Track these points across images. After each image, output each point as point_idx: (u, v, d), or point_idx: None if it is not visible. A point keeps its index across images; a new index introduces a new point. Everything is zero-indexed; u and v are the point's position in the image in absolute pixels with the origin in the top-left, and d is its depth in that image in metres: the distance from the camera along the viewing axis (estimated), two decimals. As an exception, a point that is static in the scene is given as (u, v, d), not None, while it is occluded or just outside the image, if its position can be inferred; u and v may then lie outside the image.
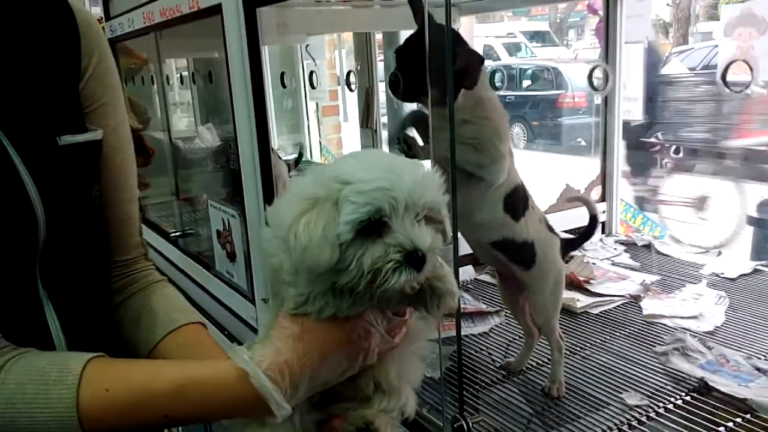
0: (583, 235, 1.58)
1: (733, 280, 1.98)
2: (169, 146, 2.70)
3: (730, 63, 1.57)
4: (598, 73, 2.37)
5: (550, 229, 1.45)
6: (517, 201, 1.38)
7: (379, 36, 3.09)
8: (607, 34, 2.41)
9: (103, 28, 2.58)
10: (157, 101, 2.78)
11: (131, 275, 1.00)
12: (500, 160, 1.32)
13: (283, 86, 3.40)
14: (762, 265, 2.07)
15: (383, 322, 0.78)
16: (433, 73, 1.10)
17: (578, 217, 2.29)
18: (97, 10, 2.79)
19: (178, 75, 3.01)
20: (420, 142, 1.38)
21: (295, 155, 3.36)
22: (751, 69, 1.60)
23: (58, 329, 0.83)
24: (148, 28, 2.23)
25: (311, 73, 3.09)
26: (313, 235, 0.68)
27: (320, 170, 0.74)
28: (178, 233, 2.53)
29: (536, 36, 15.88)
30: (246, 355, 0.74)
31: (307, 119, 4.20)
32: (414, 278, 0.68)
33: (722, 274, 2.01)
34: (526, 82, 10.79)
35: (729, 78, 2.11)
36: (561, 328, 1.50)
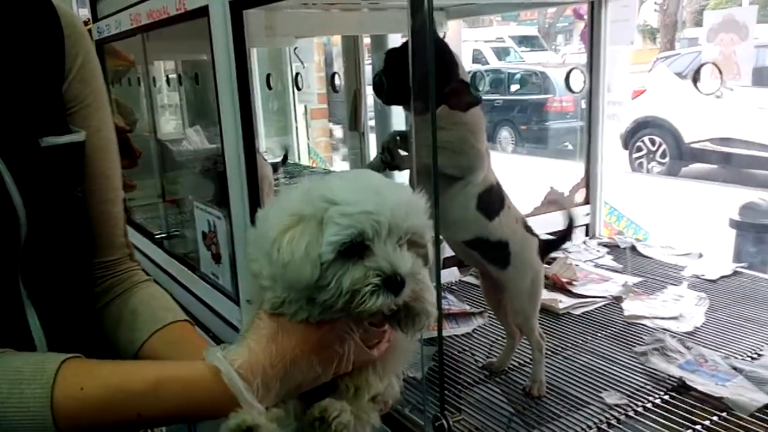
0: (561, 236, 1.59)
1: (713, 281, 2.01)
2: (156, 148, 2.70)
3: (702, 65, 1.59)
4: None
5: (528, 229, 1.46)
6: (492, 200, 1.39)
7: (366, 39, 3.11)
8: (592, 38, 2.43)
9: (90, 29, 2.58)
10: (144, 103, 2.78)
11: (117, 276, 1.00)
12: (478, 159, 1.34)
13: (269, 88, 3.41)
14: (742, 268, 2.10)
15: (359, 331, 0.78)
16: (418, 80, 1.12)
17: (559, 220, 2.32)
18: (85, 12, 2.78)
19: (166, 77, 3.01)
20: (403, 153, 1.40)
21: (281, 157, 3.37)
22: (720, 72, 1.63)
23: (39, 330, 0.83)
24: (136, 30, 2.24)
25: (297, 75, 3.10)
26: (295, 252, 0.69)
27: (309, 187, 0.75)
28: (163, 235, 2.53)
29: (525, 41, 15.97)
30: (220, 354, 0.74)
31: (296, 122, 4.21)
32: (391, 302, 0.70)
33: (703, 275, 2.04)
34: (514, 87, 10.86)
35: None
36: (543, 328, 1.52)
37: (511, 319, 1.51)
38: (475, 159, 1.35)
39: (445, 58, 1.28)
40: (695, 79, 1.59)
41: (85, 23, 2.38)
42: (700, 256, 2.21)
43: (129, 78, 2.80)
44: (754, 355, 1.54)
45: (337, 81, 2.96)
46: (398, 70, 1.26)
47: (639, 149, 8.69)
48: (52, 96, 0.87)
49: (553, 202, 1.99)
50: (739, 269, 2.08)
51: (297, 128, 4.26)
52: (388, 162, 1.38)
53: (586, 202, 2.52)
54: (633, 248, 2.33)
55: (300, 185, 0.77)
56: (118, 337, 0.96)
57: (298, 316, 0.75)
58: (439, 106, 1.25)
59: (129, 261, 1.03)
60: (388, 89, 1.27)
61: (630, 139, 8.66)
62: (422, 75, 1.06)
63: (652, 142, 8.58)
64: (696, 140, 8.16)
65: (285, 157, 3.09)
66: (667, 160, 8.48)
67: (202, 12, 1.69)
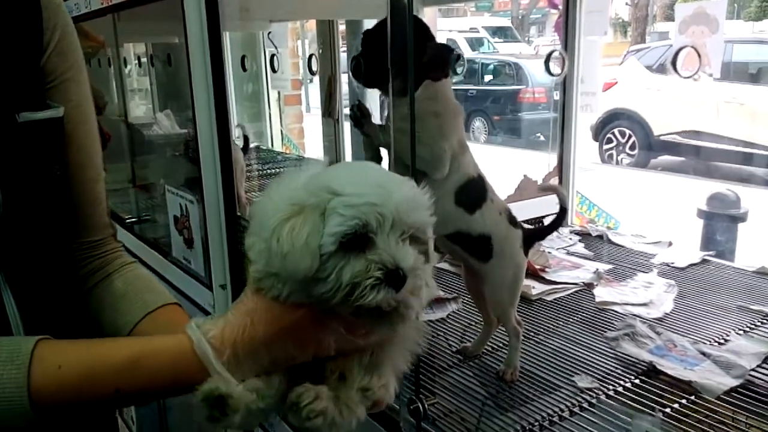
0: (551, 225, 1.58)
1: (682, 269, 2.04)
2: (126, 132, 2.65)
3: (681, 49, 1.61)
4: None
5: (513, 221, 1.44)
6: (472, 194, 1.37)
7: (342, 26, 3.09)
8: (567, 28, 2.45)
9: (59, 8, 2.52)
10: (114, 86, 2.73)
11: (102, 257, 0.98)
12: (441, 157, 1.31)
13: (244, 70, 3.36)
14: (710, 256, 2.14)
15: (341, 321, 0.76)
16: (396, 61, 1.11)
17: (535, 208, 2.34)
18: (53, -9, 2.71)
19: (136, 60, 2.96)
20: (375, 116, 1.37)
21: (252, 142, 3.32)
22: (699, 56, 1.65)
23: (16, 314, 0.81)
24: (106, 10, 2.19)
25: (272, 56, 3.06)
26: (295, 243, 0.68)
27: (311, 177, 0.74)
28: (134, 219, 2.49)
29: (498, 31, 16.03)
30: (194, 324, 0.74)
31: (269, 108, 4.17)
32: (392, 297, 0.68)
33: (672, 263, 2.07)
34: (487, 77, 10.90)
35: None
36: (520, 311, 1.54)
37: (490, 310, 1.51)
38: (439, 154, 1.32)
39: (421, 33, 1.26)
40: (674, 62, 1.61)
41: (54, 2, 2.33)
42: (670, 244, 2.25)
43: (99, 59, 2.74)
44: (721, 341, 1.57)
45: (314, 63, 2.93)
46: (376, 52, 1.24)
47: (609, 141, 8.81)
48: (29, 70, 0.84)
49: (548, 190, 1.97)
50: (707, 257, 2.12)
51: (270, 114, 4.23)
52: (356, 118, 1.34)
53: (559, 190, 2.55)
54: (604, 236, 2.36)
55: (300, 174, 0.75)
56: (106, 321, 0.94)
57: (272, 292, 0.74)
58: (422, 82, 1.24)
59: (113, 241, 1.01)
60: (366, 71, 1.25)
61: (600, 130, 8.76)
62: (401, 53, 1.05)
63: (622, 134, 8.70)
64: (665, 133, 8.30)
65: (246, 140, 3.05)
66: (636, 152, 8.61)
67: (175, -8, 1.66)
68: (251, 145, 3.39)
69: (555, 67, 2.40)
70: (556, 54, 2.39)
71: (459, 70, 1.33)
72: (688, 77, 1.66)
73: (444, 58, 1.29)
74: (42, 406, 0.70)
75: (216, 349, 0.72)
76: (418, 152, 1.28)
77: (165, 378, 0.74)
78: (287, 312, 0.74)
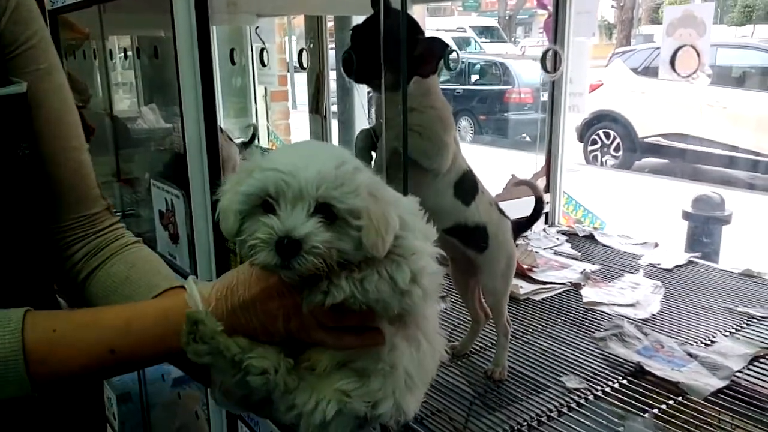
0: (531, 216, 1.61)
1: (669, 270, 2.05)
2: (110, 125, 2.62)
3: (679, 48, 1.61)
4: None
5: (501, 212, 1.46)
6: (467, 186, 1.38)
7: (330, 22, 3.07)
8: (556, 29, 2.45)
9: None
10: (99, 78, 2.69)
11: (100, 235, 0.94)
12: (444, 150, 1.32)
13: (233, 63, 3.33)
14: (696, 257, 2.15)
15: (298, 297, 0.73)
16: (389, 57, 1.10)
17: (523, 206, 2.33)
18: (37, -19, 2.67)
19: (122, 54, 2.92)
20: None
21: (243, 139, 3.30)
22: (698, 54, 1.65)
23: None
24: (91, 1, 2.16)
25: (261, 50, 3.04)
26: (224, 203, 0.72)
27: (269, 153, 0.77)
28: (118, 214, 2.46)
29: (485, 32, 16.08)
30: (191, 279, 0.78)
31: (255, 103, 4.14)
32: (276, 263, 0.67)
33: (659, 264, 2.08)
34: (474, 77, 10.92)
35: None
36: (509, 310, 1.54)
37: (480, 304, 1.51)
38: (442, 148, 1.32)
39: (411, 28, 1.25)
40: (672, 61, 1.61)
41: (38, -8, 2.29)
42: (656, 245, 2.26)
43: (84, 51, 2.70)
44: (708, 342, 1.58)
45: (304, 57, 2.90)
46: (367, 47, 1.23)
47: (594, 142, 8.87)
48: None
49: (521, 184, 1.99)
50: (693, 259, 2.13)
51: (257, 110, 4.19)
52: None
53: (546, 191, 2.55)
54: (591, 237, 2.37)
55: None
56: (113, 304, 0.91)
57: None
58: (411, 79, 1.23)
59: (109, 216, 0.96)
60: (358, 67, 1.24)
61: (585, 131, 8.82)
62: (394, 48, 1.04)
63: (607, 136, 8.76)
64: (649, 135, 8.37)
65: (253, 137, 3.03)
66: (620, 153, 8.67)
67: (164, -17, 1.63)
68: (237, 141, 3.36)
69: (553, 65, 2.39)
70: (552, 53, 2.38)
71: (453, 65, 1.31)
72: (686, 77, 1.66)
73: (434, 53, 1.28)
74: (37, 373, 0.69)
75: (204, 299, 0.74)
76: (421, 147, 1.28)
77: (159, 334, 0.74)
78: (262, 279, 0.74)
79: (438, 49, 1.28)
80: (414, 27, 1.28)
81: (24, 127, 0.84)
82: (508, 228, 1.45)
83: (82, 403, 1.00)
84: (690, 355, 1.49)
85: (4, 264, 0.82)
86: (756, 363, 1.46)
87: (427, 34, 1.39)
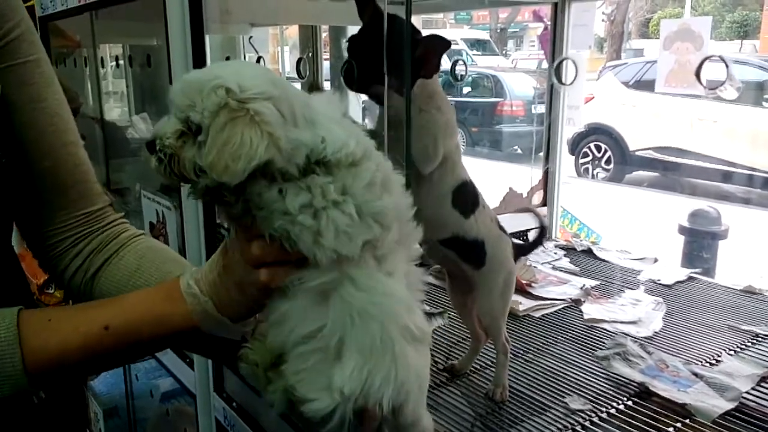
0: (533, 243, 1.60)
1: (669, 286, 2.02)
2: (101, 135, 2.57)
3: (705, 59, 1.58)
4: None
5: (502, 229, 1.43)
6: (466, 197, 1.35)
7: (325, 33, 3.03)
8: (554, 41, 2.43)
9: (33, 5, 2.43)
10: (89, 87, 2.64)
11: (106, 230, 0.90)
12: (436, 154, 1.28)
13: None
14: (696, 273, 2.12)
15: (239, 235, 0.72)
16: (392, 62, 1.07)
17: (520, 221, 2.30)
18: (27, -13, 2.62)
19: (113, 62, 2.87)
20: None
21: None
22: (726, 66, 1.62)
23: None
24: (83, 8, 2.11)
25: (259, 58, 3.01)
26: None
27: None
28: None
29: (477, 44, 16.12)
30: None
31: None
32: (149, 162, 0.68)
33: (659, 280, 2.05)
34: (466, 89, 10.92)
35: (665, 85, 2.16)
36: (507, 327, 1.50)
37: (479, 322, 1.47)
38: (438, 151, 1.28)
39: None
40: (698, 74, 1.58)
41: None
42: (655, 261, 2.23)
43: (75, 59, 2.66)
44: (713, 361, 1.54)
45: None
46: (367, 54, 1.20)
47: (585, 155, 8.87)
48: None
49: (525, 211, 1.97)
50: (693, 275, 2.10)
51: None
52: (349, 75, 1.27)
53: (543, 204, 2.52)
54: (589, 251, 2.34)
55: None
56: None
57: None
58: (415, 82, 1.19)
59: (113, 211, 0.92)
60: (359, 75, 1.20)
61: (577, 144, 8.82)
62: (396, 54, 1.01)
63: (598, 149, 8.77)
64: (640, 148, 8.38)
65: None
66: (612, 166, 8.68)
67: (158, -10, 1.60)
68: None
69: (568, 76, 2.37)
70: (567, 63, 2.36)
71: (460, 74, 1.28)
72: (713, 89, 1.63)
73: (435, 50, 1.24)
74: (34, 364, 0.67)
75: (196, 281, 0.73)
76: (419, 147, 1.24)
77: (153, 311, 0.73)
78: (230, 245, 0.73)
79: (439, 46, 1.24)
80: (412, 30, 1.25)
81: (2, 134, 0.79)
82: (508, 246, 1.41)
83: (67, 419, 0.95)
84: (695, 374, 1.46)
85: None
86: (764, 383, 1.43)
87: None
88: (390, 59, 1.09)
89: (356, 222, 0.66)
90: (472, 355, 1.52)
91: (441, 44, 1.23)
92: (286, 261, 0.67)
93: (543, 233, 1.59)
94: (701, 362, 1.53)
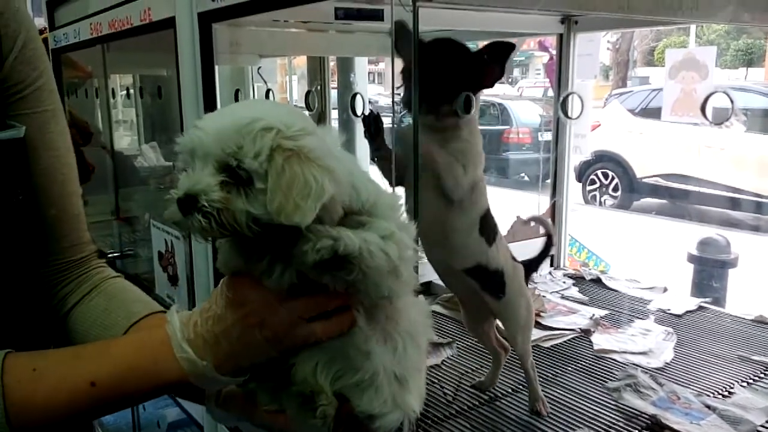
0: (540, 254, 1.59)
1: (679, 316, 2.00)
2: (110, 163, 2.59)
3: (711, 94, 1.58)
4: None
5: (514, 258, 1.44)
6: (490, 225, 1.36)
7: (332, 63, 3.07)
8: (560, 71, 2.44)
9: (47, 38, 2.47)
10: (100, 116, 2.67)
11: (83, 274, 0.91)
12: (467, 181, 1.31)
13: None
14: (706, 302, 2.10)
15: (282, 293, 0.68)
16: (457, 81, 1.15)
17: (530, 249, 2.30)
18: (41, 21, 2.66)
19: (123, 92, 2.91)
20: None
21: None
22: (732, 101, 1.63)
23: None
24: (95, 40, 2.15)
25: (267, 91, 3.04)
26: None
27: None
28: (116, 254, 2.41)
29: (483, 72, 16.21)
30: (174, 309, 0.73)
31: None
32: (178, 219, 0.64)
33: (669, 310, 2.03)
34: (472, 117, 10.97)
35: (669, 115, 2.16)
36: (515, 362, 1.51)
37: (497, 340, 1.51)
38: (465, 176, 1.30)
39: (457, 49, 1.25)
40: (703, 108, 1.58)
41: (41, 32, 2.28)
42: (665, 290, 2.21)
43: (86, 89, 2.69)
44: (725, 393, 1.52)
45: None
46: (431, 76, 1.20)
47: (592, 182, 8.88)
48: None
49: (533, 220, 1.97)
50: (703, 305, 2.08)
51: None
52: (369, 127, 1.29)
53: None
54: (598, 280, 2.32)
55: None
56: (94, 337, 0.87)
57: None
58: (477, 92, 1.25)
59: (96, 258, 0.94)
60: (422, 98, 1.17)
61: (584, 171, 8.83)
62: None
63: (605, 176, 8.77)
64: (647, 175, 8.38)
65: None
66: (619, 193, 8.67)
67: (169, 23, 1.62)
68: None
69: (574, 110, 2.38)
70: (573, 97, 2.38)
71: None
72: (719, 124, 1.63)
73: (496, 58, 1.26)
74: (19, 418, 0.65)
75: (182, 322, 0.70)
76: (454, 172, 1.26)
77: (138, 366, 0.70)
78: (230, 288, 0.70)
79: (502, 51, 1.24)
80: (462, 47, 1.28)
81: (21, 173, 0.80)
82: (522, 274, 1.43)
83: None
84: (708, 407, 1.44)
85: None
86: (778, 416, 1.40)
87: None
88: (454, 78, 1.14)
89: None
90: (496, 370, 1.55)
91: (504, 49, 1.22)
92: (343, 307, 0.69)
93: (550, 242, 1.58)
94: (713, 394, 1.52)
